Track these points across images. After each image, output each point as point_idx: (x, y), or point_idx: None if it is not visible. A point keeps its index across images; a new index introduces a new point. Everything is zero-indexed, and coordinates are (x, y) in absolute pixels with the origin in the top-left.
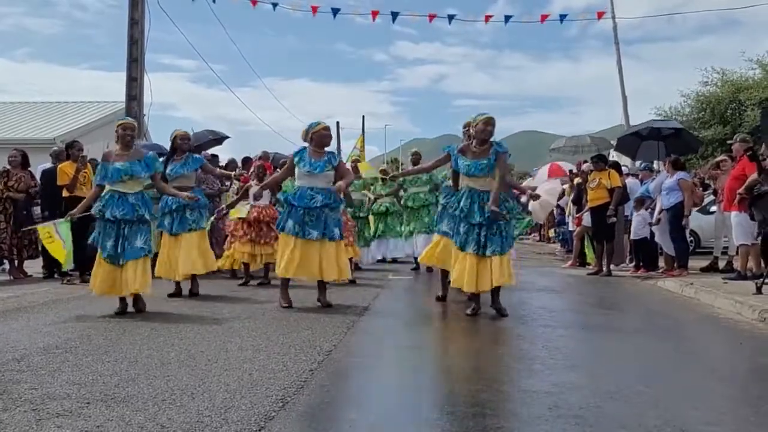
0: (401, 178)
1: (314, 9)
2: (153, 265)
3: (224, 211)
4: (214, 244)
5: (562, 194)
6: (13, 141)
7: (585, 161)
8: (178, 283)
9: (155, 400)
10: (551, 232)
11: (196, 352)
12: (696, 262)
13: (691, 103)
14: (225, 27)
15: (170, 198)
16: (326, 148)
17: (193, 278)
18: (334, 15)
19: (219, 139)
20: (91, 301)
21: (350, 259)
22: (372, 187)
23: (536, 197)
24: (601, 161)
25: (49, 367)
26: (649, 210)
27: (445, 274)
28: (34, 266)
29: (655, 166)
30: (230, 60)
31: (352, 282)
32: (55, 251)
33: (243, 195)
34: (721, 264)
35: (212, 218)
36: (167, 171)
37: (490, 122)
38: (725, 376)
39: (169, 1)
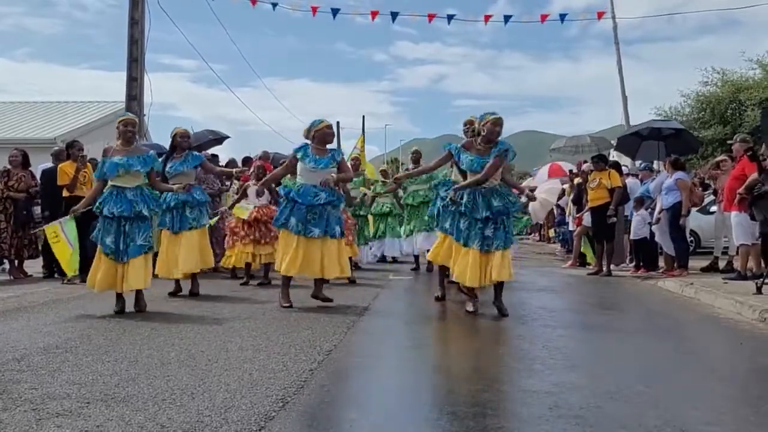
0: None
1: (314, 9)
2: (153, 263)
3: (227, 214)
4: (214, 244)
5: (562, 194)
6: (14, 141)
7: (585, 161)
8: (177, 282)
9: (155, 399)
10: (551, 232)
11: (197, 351)
12: (696, 262)
13: (691, 103)
14: (225, 27)
15: (168, 195)
16: (328, 146)
17: (193, 278)
18: (334, 15)
19: (219, 139)
20: (91, 301)
21: (350, 259)
22: (372, 187)
23: (533, 198)
24: (601, 161)
25: (49, 367)
26: (649, 210)
27: (442, 274)
28: (34, 266)
29: (655, 166)
30: (230, 60)
31: (352, 282)
32: (60, 253)
33: (242, 195)
34: (722, 264)
35: (215, 219)
36: (167, 168)
37: (498, 122)
38: (725, 376)
39: (169, 1)
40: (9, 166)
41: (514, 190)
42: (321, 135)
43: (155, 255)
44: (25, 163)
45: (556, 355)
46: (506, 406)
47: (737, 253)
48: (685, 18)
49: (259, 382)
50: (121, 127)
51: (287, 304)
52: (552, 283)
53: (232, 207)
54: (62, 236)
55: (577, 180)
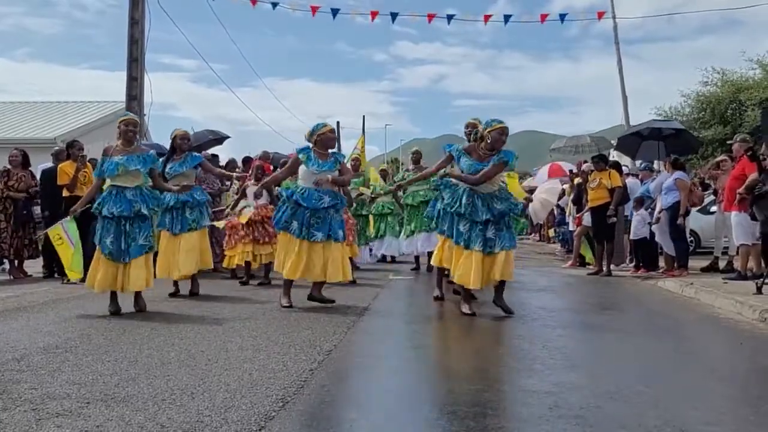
0: (400, 177)
1: (314, 9)
2: (153, 263)
3: (228, 215)
4: (214, 244)
5: (562, 194)
6: (14, 141)
7: (585, 161)
8: (176, 282)
9: (155, 399)
10: (551, 232)
11: (197, 351)
12: (696, 262)
13: (692, 103)
14: (225, 27)
15: (168, 195)
16: (329, 150)
17: (193, 278)
18: (334, 15)
19: (219, 138)
20: (91, 301)
21: (350, 259)
22: (372, 187)
23: (529, 200)
24: (601, 161)
25: (49, 367)
26: (649, 210)
27: (440, 274)
28: (34, 266)
29: (655, 166)
30: (230, 60)
31: (352, 282)
32: (63, 254)
33: (242, 195)
34: (722, 264)
35: (222, 223)
36: (166, 170)
37: (505, 132)
38: (725, 376)
39: (169, 1)
40: (9, 166)
41: None
42: (324, 139)
43: (155, 255)
44: (25, 163)
45: (556, 355)
46: (506, 406)
47: (737, 253)
48: (686, 18)
49: (259, 382)
50: (123, 126)
51: (287, 304)
52: (552, 283)
53: (233, 207)
54: (65, 238)
55: (577, 180)
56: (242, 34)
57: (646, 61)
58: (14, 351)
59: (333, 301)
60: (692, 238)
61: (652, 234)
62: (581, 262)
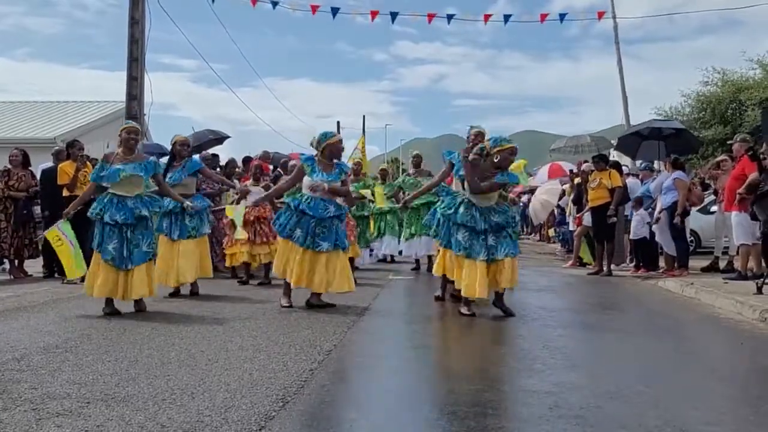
0: (400, 181)
1: (314, 9)
2: None
3: (222, 214)
4: (215, 243)
5: (562, 194)
6: (14, 140)
7: (585, 161)
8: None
9: (155, 399)
10: (551, 232)
11: (197, 351)
12: (696, 262)
13: (692, 103)
14: (225, 27)
15: (168, 199)
16: (335, 160)
17: None
18: (334, 15)
19: (219, 138)
20: (91, 301)
21: (351, 259)
22: (371, 186)
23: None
24: (601, 161)
25: (49, 367)
26: (650, 210)
27: (445, 278)
28: (34, 266)
29: (655, 165)
30: (231, 60)
31: None
32: (65, 256)
33: (241, 196)
34: (722, 264)
35: (243, 233)
36: (167, 179)
37: (514, 152)
38: (725, 376)
39: (169, 1)
40: (9, 166)
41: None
42: (332, 149)
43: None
44: (25, 162)
45: (556, 355)
46: (506, 406)
47: (737, 253)
48: (686, 18)
49: (259, 382)
50: (124, 134)
51: (287, 305)
52: (552, 283)
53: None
54: (64, 238)
55: (577, 180)
56: (242, 34)
57: (646, 61)
58: (14, 351)
59: (333, 305)
60: (692, 238)
61: (652, 234)
62: (582, 262)
